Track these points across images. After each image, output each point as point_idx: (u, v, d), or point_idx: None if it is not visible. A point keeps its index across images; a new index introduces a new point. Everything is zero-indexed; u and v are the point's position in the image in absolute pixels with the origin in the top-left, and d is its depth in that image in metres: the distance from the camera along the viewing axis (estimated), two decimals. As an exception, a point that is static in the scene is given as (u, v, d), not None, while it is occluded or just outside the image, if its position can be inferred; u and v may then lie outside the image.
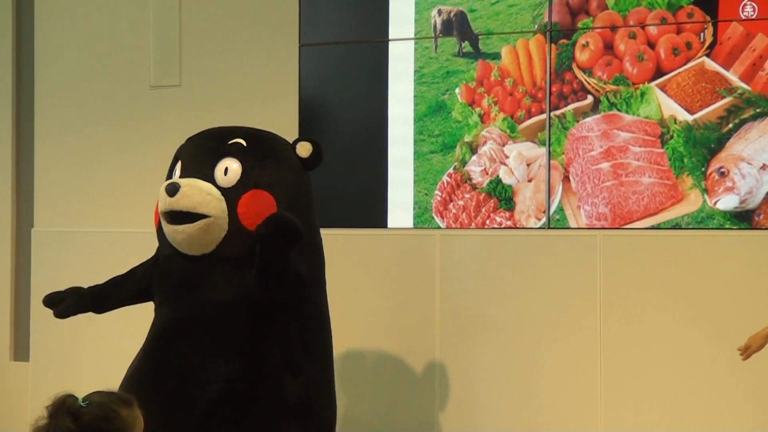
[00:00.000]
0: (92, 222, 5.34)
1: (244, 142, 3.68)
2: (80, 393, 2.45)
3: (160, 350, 3.64)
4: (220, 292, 3.59)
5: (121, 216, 5.25)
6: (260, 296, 3.52)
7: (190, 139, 3.85)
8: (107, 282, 3.97)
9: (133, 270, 3.93)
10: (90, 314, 5.28)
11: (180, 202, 3.54)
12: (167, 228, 3.62)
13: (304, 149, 3.80)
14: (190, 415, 3.47)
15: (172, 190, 3.54)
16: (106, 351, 5.13)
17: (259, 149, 3.70)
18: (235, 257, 3.58)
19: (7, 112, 5.56)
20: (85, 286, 3.95)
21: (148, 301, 3.85)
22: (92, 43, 5.41)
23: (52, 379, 5.33)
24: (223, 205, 3.56)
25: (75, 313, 3.95)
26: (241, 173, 3.61)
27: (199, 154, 3.71)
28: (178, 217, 3.56)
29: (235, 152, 3.65)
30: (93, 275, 5.24)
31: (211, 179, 3.61)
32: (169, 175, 3.79)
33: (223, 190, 3.59)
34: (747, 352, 3.69)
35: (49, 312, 5.31)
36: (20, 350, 5.54)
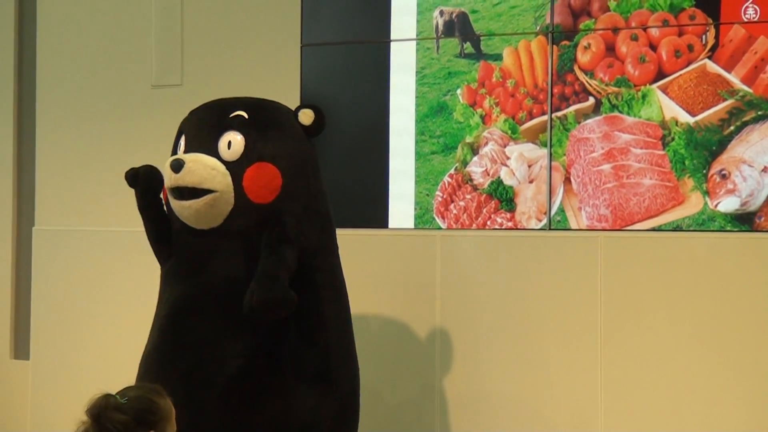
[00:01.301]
0: (93, 221, 5.34)
1: (245, 114, 3.68)
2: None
3: (176, 328, 3.65)
4: (231, 266, 3.60)
5: (122, 215, 5.24)
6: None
7: (192, 112, 3.85)
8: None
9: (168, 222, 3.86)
10: (89, 312, 5.32)
11: (185, 178, 3.55)
12: (174, 203, 3.64)
13: (306, 117, 3.79)
14: (211, 393, 3.49)
15: (177, 166, 3.55)
16: (107, 349, 5.14)
17: (262, 121, 3.70)
18: (244, 230, 3.59)
19: (9, 110, 5.57)
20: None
21: (158, 252, 3.83)
22: (94, 42, 5.41)
23: (52, 377, 5.33)
24: (228, 179, 3.56)
25: (140, 182, 3.85)
26: (245, 146, 3.61)
27: (202, 128, 3.72)
28: (184, 192, 3.57)
29: (238, 125, 3.65)
30: (94, 274, 5.28)
31: (215, 153, 3.61)
32: (174, 150, 3.80)
33: (228, 164, 3.59)
34: None
35: (50, 311, 5.36)
36: (21, 348, 5.54)
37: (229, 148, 3.61)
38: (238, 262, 3.60)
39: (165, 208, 3.81)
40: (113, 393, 2.50)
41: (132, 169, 3.87)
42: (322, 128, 3.82)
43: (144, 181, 3.83)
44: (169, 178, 3.59)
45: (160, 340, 3.68)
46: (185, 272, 3.71)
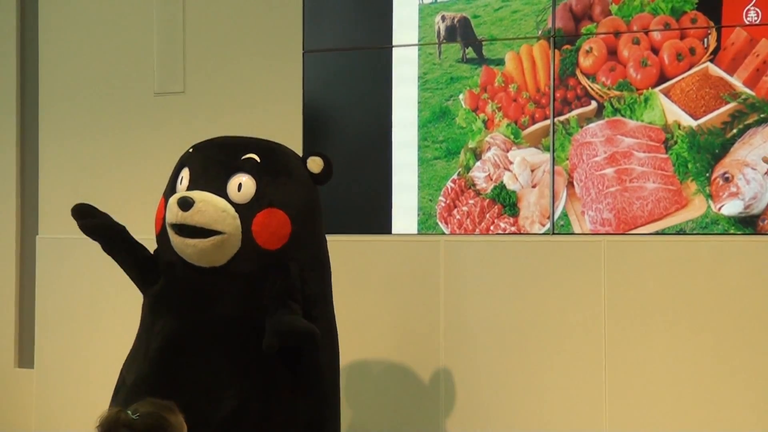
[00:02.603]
0: (97, 229, 5.33)
1: (257, 158, 3.65)
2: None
3: (170, 363, 3.59)
4: (232, 308, 3.57)
5: (125, 223, 5.20)
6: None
7: (197, 148, 3.80)
8: (135, 242, 3.86)
9: (144, 250, 3.84)
10: (95, 321, 5.32)
11: (194, 218, 3.50)
12: (175, 239, 3.59)
13: (315, 165, 3.78)
14: (206, 431, 3.45)
15: (185, 204, 3.50)
16: (111, 357, 5.12)
17: (273, 166, 3.67)
18: (247, 274, 3.56)
19: (12, 118, 5.57)
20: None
21: (136, 281, 3.81)
22: (96, 50, 5.42)
23: (56, 385, 5.33)
24: (237, 222, 3.53)
25: (98, 234, 3.83)
26: (255, 190, 3.58)
27: (210, 167, 3.65)
28: (188, 230, 3.53)
29: (249, 168, 3.61)
30: (98, 282, 5.28)
31: (223, 194, 3.56)
32: (173, 183, 3.74)
33: (237, 207, 3.55)
34: None
35: (55, 319, 5.36)
36: (25, 357, 5.54)
37: (239, 190, 3.56)
38: (239, 304, 3.57)
39: (157, 240, 3.75)
40: (125, 409, 2.48)
41: (85, 222, 3.81)
42: (329, 177, 3.81)
43: (104, 235, 3.81)
44: (175, 215, 3.52)
45: (150, 373, 3.61)
46: (181, 307, 3.65)
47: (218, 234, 3.51)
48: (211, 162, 3.67)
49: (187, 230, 3.53)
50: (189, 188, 3.62)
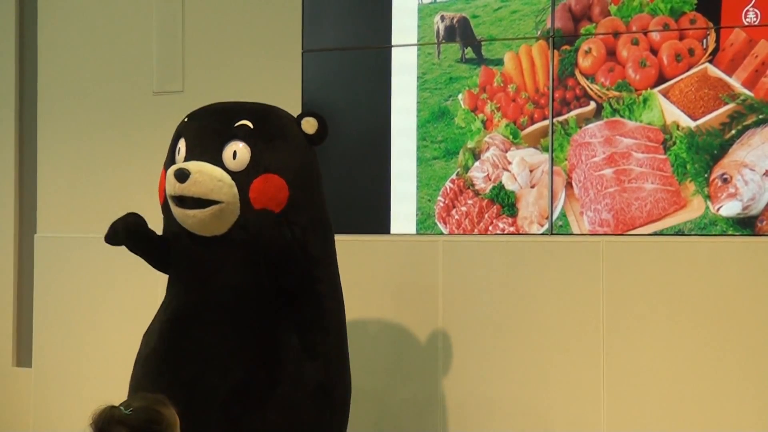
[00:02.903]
0: (95, 228, 5.30)
1: (250, 124, 3.66)
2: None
3: (178, 335, 3.64)
4: (234, 276, 3.59)
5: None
6: (274, 279, 3.53)
7: (191, 117, 3.81)
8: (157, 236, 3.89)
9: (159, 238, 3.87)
10: (92, 321, 5.32)
11: (190, 189, 3.52)
12: (176, 210, 3.61)
13: (309, 125, 3.78)
14: (212, 403, 3.48)
15: (182, 175, 3.52)
16: (110, 357, 5.13)
17: (267, 131, 3.67)
18: (248, 241, 3.58)
19: (10, 117, 5.57)
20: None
21: (160, 268, 3.87)
22: (95, 48, 5.41)
23: (54, 385, 5.33)
24: (234, 190, 3.55)
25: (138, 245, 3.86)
26: (251, 157, 3.59)
27: (204, 136, 3.67)
28: (188, 201, 3.55)
29: (243, 135, 3.62)
30: (96, 281, 5.28)
31: (219, 163, 3.58)
32: (172, 155, 3.76)
33: (233, 175, 3.56)
34: None
35: (52, 318, 5.36)
36: (23, 356, 5.54)
37: (234, 158, 3.58)
38: (244, 273, 3.59)
39: (162, 209, 3.79)
40: (117, 404, 2.48)
41: (111, 227, 3.82)
42: (325, 137, 3.81)
43: (128, 238, 3.81)
44: (173, 187, 3.55)
45: (160, 346, 3.66)
46: (188, 279, 3.71)
47: (216, 203, 3.53)
48: (206, 131, 3.69)
49: (186, 201, 3.55)
50: (186, 159, 3.64)
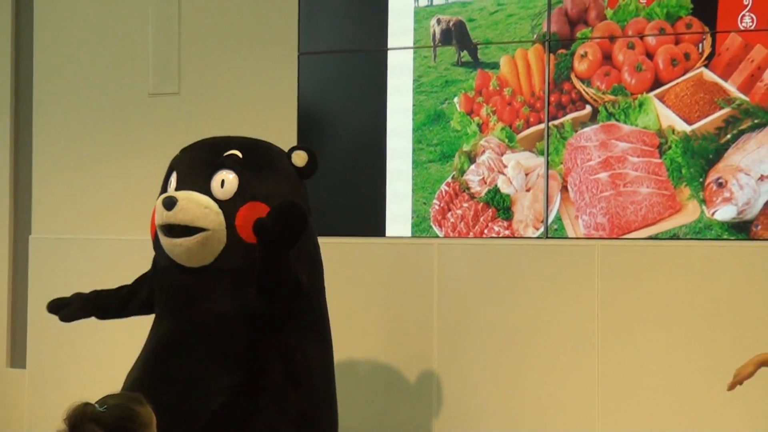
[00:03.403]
0: (90, 229, 5.34)
1: (239, 154, 3.67)
2: (78, 400, 2.46)
3: (161, 362, 3.63)
4: (221, 304, 3.58)
5: (118, 223, 5.25)
6: (260, 307, 3.52)
7: (183, 150, 3.84)
8: (114, 290, 3.99)
9: (140, 281, 3.94)
10: (87, 321, 5.30)
11: (177, 216, 3.53)
12: (165, 240, 3.61)
13: (299, 158, 3.79)
14: (193, 428, 3.46)
15: (169, 203, 3.53)
16: (104, 358, 5.13)
17: (255, 160, 3.69)
18: (235, 269, 3.57)
19: (6, 118, 5.56)
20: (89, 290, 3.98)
21: (152, 313, 3.85)
22: (91, 50, 5.41)
23: (48, 386, 5.32)
24: (221, 218, 3.55)
25: (80, 317, 3.98)
26: (238, 185, 3.60)
27: (194, 166, 3.70)
28: (175, 230, 3.55)
29: (232, 164, 3.64)
30: (91, 282, 5.23)
31: (207, 191, 3.59)
32: (164, 187, 3.78)
33: (221, 203, 3.57)
34: (734, 381, 3.40)
35: (47, 319, 5.31)
36: (17, 357, 5.53)
37: (222, 186, 3.59)
38: (228, 300, 3.58)
39: (153, 245, 3.80)
40: (92, 401, 2.46)
41: (63, 314, 3.99)
42: (314, 170, 3.82)
43: (88, 312, 3.98)
44: (161, 216, 3.56)
45: (143, 373, 3.64)
46: (173, 308, 3.70)
47: (203, 231, 3.53)
48: (197, 161, 3.72)
49: (174, 230, 3.55)
50: (177, 189, 3.65)
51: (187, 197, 3.56)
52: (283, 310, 3.57)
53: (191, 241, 3.54)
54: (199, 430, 3.46)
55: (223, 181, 3.60)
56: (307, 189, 3.85)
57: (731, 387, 3.42)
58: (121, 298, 3.97)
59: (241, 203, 3.58)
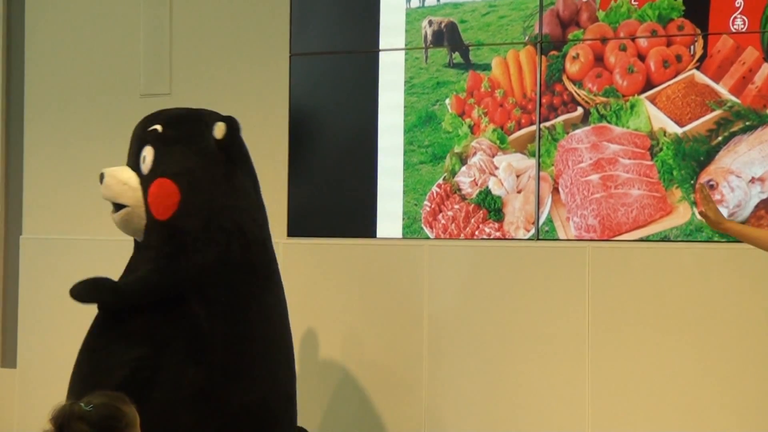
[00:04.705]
0: (81, 229, 5.33)
1: (160, 128, 3.70)
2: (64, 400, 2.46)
3: (88, 336, 3.73)
4: None
5: (109, 224, 5.19)
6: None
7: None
8: None
9: None
10: (77, 320, 5.30)
11: (104, 192, 3.66)
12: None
13: (218, 130, 3.76)
14: None
15: (100, 179, 3.67)
16: (94, 359, 5.12)
17: (171, 135, 3.71)
18: (155, 245, 3.63)
19: (-3, 118, 5.57)
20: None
21: None
22: (82, 51, 5.40)
23: (39, 385, 5.32)
24: (139, 194, 3.62)
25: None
26: (153, 161, 3.65)
27: (132, 142, 3.81)
28: (114, 205, 3.67)
29: (152, 139, 3.69)
30: (81, 283, 5.25)
31: (137, 167, 3.68)
32: None
33: (142, 179, 3.65)
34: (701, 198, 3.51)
35: (37, 319, 5.34)
36: (7, 357, 5.53)
37: (143, 162, 3.66)
38: None
39: None
40: (78, 401, 2.46)
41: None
42: (233, 142, 3.77)
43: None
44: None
45: (83, 342, 3.75)
46: None
47: (124, 207, 3.61)
48: (134, 137, 3.82)
49: (114, 205, 3.68)
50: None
51: (111, 174, 3.66)
52: (188, 288, 3.60)
53: (117, 216, 3.67)
54: None
55: (144, 157, 3.67)
56: (230, 160, 3.79)
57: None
58: None
59: (153, 179, 3.63)
